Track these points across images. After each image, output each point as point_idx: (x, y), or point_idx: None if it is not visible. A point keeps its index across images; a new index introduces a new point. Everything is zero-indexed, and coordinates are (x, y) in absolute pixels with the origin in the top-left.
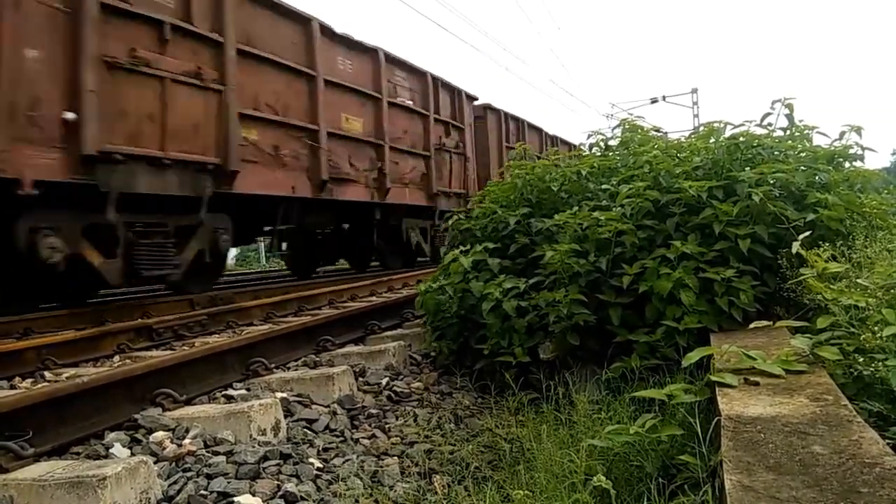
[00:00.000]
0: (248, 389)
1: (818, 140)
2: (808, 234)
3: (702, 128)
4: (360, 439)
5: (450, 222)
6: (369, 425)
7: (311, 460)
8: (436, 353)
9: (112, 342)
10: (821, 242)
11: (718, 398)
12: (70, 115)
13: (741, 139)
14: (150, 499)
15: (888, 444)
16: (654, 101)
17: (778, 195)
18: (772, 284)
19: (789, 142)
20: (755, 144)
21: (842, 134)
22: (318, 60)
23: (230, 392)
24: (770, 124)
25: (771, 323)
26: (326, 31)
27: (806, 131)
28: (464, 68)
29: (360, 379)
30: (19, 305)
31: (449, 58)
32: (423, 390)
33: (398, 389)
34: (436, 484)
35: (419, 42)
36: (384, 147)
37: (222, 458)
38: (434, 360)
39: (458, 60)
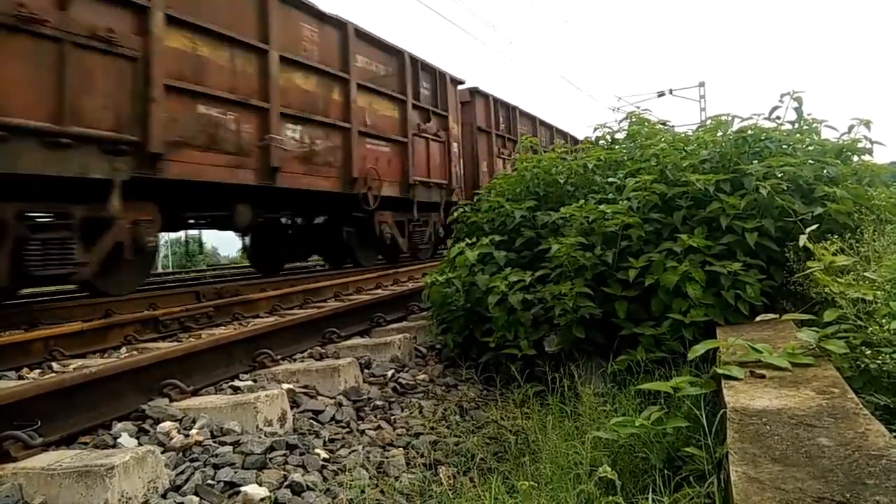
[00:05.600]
0: (254, 381)
1: (827, 133)
2: (815, 227)
3: (709, 121)
4: (366, 430)
5: (455, 214)
6: (375, 417)
7: (317, 451)
8: (441, 346)
9: (119, 334)
10: (828, 236)
11: (724, 391)
12: None
13: (749, 132)
14: (157, 488)
15: (895, 436)
16: (660, 94)
17: (786, 189)
18: (778, 278)
19: (798, 135)
20: (763, 138)
21: (850, 127)
22: None
23: (237, 383)
24: (778, 118)
25: (777, 316)
26: None
27: (814, 125)
28: (469, 61)
29: (366, 371)
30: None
31: (454, 50)
32: (428, 382)
33: (404, 381)
34: (441, 475)
35: (423, 33)
36: None
37: (229, 449)
38: (440, 353)
39: (463, 53)
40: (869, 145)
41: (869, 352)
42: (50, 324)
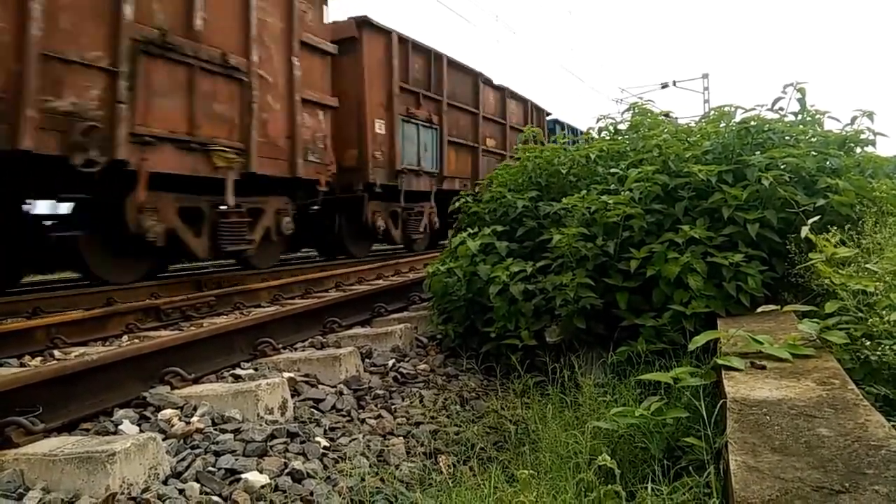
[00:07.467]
0: (255, 369)
1: (830, 125)
2: (817, 218)
3: (712, 112)
4: (367, 419)
5: (457, 204)
6: (375, 406)
7: (317, 439)
8: (442, 336)
9: (120, 322)
10: (830, 227)
11: (724, 381)
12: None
13: (752, 123)
14: (158, 475)
15: (894, 427)
16: (664, 86)
17: (788, 180)
18: (780, 270)
19: (800, 126)
20: (766, 129)
21: (853, 119)
22: None
23: (238, 371)
24: (781, 109)
25: (778, 308)
26: None
27: (817, 116)
28: (472, 50)
29: (367, 360)
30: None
31: (457, 40)
32: (429, 372)
33: (404, 371)
34: (441, 464)
35: (419, 20)
36: None
37: (230, 436)
38: (440, 343)
39: (465, 43)
40: (872, 137)
41: (869, 343)
42: (52, 312)
